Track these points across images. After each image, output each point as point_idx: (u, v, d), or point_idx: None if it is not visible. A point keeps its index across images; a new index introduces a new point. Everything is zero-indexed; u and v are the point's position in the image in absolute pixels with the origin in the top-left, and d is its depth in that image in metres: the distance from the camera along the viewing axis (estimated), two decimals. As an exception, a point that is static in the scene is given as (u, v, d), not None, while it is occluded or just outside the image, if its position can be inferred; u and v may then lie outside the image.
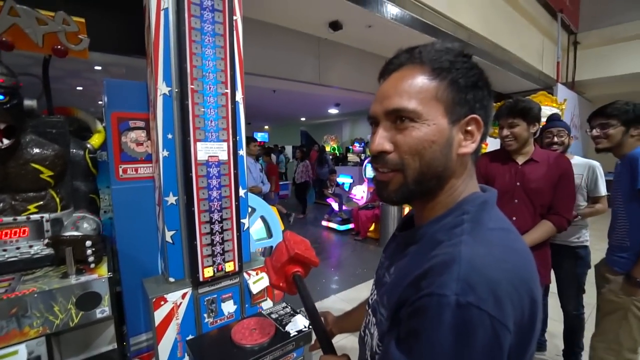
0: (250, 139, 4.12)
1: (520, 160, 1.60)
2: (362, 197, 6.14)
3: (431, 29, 3.74)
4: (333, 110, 9.63)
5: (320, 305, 2.96)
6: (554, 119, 2.15)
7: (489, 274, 0.39)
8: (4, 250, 1.11)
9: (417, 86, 0.48)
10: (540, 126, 1.65)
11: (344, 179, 6.74)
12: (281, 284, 0.84)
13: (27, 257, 1.13)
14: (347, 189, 6.52)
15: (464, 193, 0.50)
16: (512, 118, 1.54)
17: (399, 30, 3.54)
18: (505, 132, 1.58)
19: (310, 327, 1.29)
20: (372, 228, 5.37)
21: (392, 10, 3.26)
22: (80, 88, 5.69)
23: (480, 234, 0.44)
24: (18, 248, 1.14)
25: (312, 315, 0.76)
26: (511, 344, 0.38)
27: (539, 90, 4.26)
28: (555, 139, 2.02)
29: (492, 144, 4.31)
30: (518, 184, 1.57)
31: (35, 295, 0.97)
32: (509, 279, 0.39)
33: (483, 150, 3.39)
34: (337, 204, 6.02)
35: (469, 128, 0.48)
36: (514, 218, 1.55)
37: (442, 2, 3.76)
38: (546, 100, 3.54)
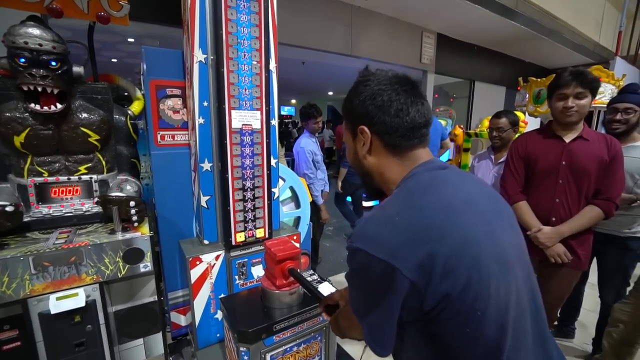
0: (309, 110, 2.75)
1: (568, 137, 1.47)
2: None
3: (474, -7, 3.43)
4: (362, 85, 9.35)
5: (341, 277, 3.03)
6: (627, 90, 1.75)
7: (373, 227, 0.55)
8: (61, 206, 1.23)
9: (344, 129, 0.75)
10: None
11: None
12: (285, 282, 1.08)
13: (80, 214, 1.24)
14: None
15: (404, 174, 0.64)
16: (582, 88, 1.37)
17: (438, -4, 3.29)
18: (571, 102, 1.39)
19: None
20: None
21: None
22: (115, 60, 5.87)
23: (391, 199, 0.59)
24: (72, 205, 1.25)
25: (312, 290, 1.01)
26: (420, 287, 0.49)
27: (591, 65, 3.83)
28: (618, 117, 1.70)
29: (532, 124, 4.02)
30: (564, 162, 1.45)
31: (89, 247, 1.07)
32: (394, 230, 0.52)
33: (521, 130, 3.15)
34: None
35: (362, 136, 0.65)
36: (557, 200, 1.46)
37: (489, -37, 3.41)
38: (600, 76, 3.14)
